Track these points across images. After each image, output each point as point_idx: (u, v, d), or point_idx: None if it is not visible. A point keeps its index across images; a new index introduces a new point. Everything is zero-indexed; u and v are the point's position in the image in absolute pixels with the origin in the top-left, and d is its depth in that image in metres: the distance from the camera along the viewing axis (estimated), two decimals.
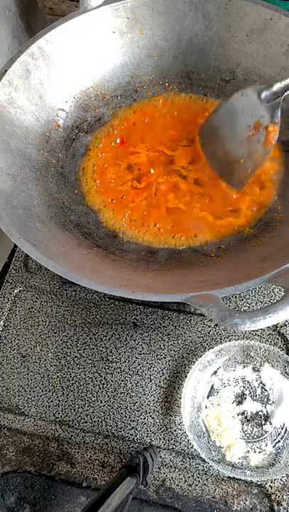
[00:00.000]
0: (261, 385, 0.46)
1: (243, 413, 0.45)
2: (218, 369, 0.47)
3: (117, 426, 0.46)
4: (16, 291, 0.53)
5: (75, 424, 0.47)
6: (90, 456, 0.45)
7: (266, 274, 0.35)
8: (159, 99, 0.56)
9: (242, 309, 0.50)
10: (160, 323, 0.50)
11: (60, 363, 0.49)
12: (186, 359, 0.48)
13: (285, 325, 0.49)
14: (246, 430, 0.45)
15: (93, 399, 0.47)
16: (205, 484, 0.43)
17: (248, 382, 0.47)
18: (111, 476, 0.44)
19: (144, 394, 0.47)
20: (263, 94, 0.43)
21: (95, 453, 0.45)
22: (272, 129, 0.43)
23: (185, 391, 0.44)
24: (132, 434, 0.46)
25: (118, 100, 0.56)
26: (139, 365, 0.49)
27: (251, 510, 0.42)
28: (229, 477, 0.43)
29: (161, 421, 0.46)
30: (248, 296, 0.51)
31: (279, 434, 0.44)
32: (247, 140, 0.45)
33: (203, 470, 0.44)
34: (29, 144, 0.48)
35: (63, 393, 0.48)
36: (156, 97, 0.56)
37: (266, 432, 0.44)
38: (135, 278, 0.41)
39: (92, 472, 0.45)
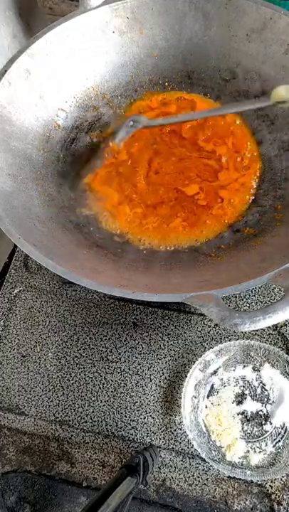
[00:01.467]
0: (261, 384, 0.46)
1: (243, 413, 0.45)
2: (218, 369, 0.47)
3: (117, 426, 0.46)
4: (16, 291, 0.53)
5: (75, 424, 0.47)
6: (90, 456, 0.45)
7: (266, 274, 0.35)
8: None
9: (242, 309, 0.50)
10: (160, 323, 0.50)
11: (60, 362, 0.49)
12: (186, 359, 0.48)
13: (285, 325, 0.49)
14: (246, 430, 0.45)
15: (93, 399, 0.48)
16: (205, 484, 0.43)
17: (248, 381, 0.47)
18: (111, 475, 0.44)
19: (144, 394, 0.47)
20: (131, 119, 0.50)
21: (95, 453, 0.45)
22: (112, 145, 0.51)
23: (185, 391, 0.44)
24: (132, 434, 0.46)
25: (118, 100, 0.56)
26: (139, 364, 0.49)
27: (251, 509, 0.42)
28: (229, 477, 0.43)
29: (161, 421, 0.46)
30: (248, 296, 0.51)
31: (279, 434, 0.44)
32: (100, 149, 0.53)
33: (203, 470, 0.44)
34: (29, 144, 0.48)
35: (63, 393, 0.48)
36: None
37: (266, 431, 0.44)
38: (135, 278, 0.41)
39: (92, 472, 0.45)
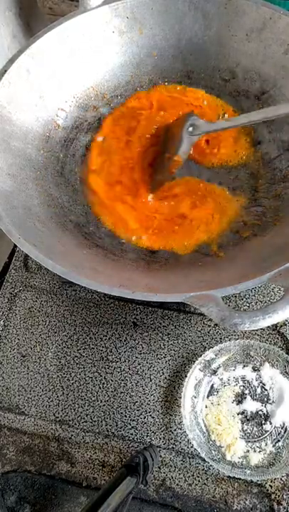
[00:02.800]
0: (261, 384, 0.46)
1: (243, 412, 0.45)
2: (218, 368, 0.47)
3: (117, 425, 0.46)
4: (16, 291, 0.53)
5: (75, 424, 0.47)
6: (90, 456, 0.45)
7: (266, 273, 0.35)
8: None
9: (242, 309, 0.50)
10: (160, 323, 0.50)
11: (60, 362, 0.49)
12: (186, 358, 0.48)
13: (285, 324, 0.49)
14: (246, 429, 0.45)
15: (93, 398, 0.48)
16: (205, 484, 0.43)
17: (247, 381, 0.47)
18: (111, 475, 0.44)
19: (144, 393, 0.47)
20: (188, 125, 0.45)
21: (95, 452, 0.45)
22: (176, 159, 0.46)
23: (185, 390, 0.44)
24: (132, 434, 0.46)
25: (118, 100, 0.56)
26: (139, 364, 0.49)
27: (251, 509, 0.42)
28: (229, 476, 0.43)
29: (161, 420, 0.46)
30: (248, 296, 0.51)
31: (279, 434, 0.44)
32: (166, 159, 0.48)
33: (203, 469, 0.44)
34: (29, 144, 0.48)
35: (63, 393, 0.48)
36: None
37: (266, 431, 0.44)
38: (135, 278, 0.41)
39: (92, 472, 0.45)
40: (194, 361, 0.46)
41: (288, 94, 0.50)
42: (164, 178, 0.48)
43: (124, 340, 0.50)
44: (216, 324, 0.50)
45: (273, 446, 0.44)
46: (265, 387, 0.46)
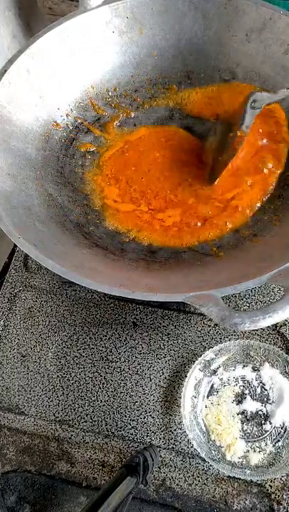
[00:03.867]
0: (261, 384, 0.46)
1: (242, 412, 0.45)
2: (217, 368, 0.47)
3: (117, 425, 0.46)
4: (16, 291, 0.53)
5: (75, 424, 0.47)
6: (90, 456, 0.45)
7: (266, 273, 0.35)
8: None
9: (242, 309, 0.50)
10: (160, 323, 0.50)
11: (60, 362, 0.49)
12: (186, 358, 0.48)
13: (285, 324, 0.49)
14: (246, 429, 0.45)
15: (93, 398, 0.48)
16: (205, 484, 0.43)
17: (247, 381, 0.47)
18: (111, 475, 0.44)
19: (144, 393, 0.47)
20: (252, 99, 0.46)
21: (95, 452, 0.45)
22: (240, 134, 0.46)
23: (185, 390, 0.44)
24: (132, 434, 0.46)
25: (118, 100, 0.56)
26: (139, 364, 0.49)
27: (251, 509, 0.42)
28: (229, 476, 0.43)
29: (161, 420, 0.46)
30: (247, 296, 0.51)
31: (279, 434, 0.44)
32: (229, 137, 0.48)
33: (203, 469, 0.44)
34: (29, 144, 0.48)
35: (63, 393, 0.48)
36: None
37: (266, 431, 0.44)
38: (135, 278, 0.41)
39: (92, 472, 0.45)
40: (194, 361, 0.46)
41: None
42: (228, 157, 0.48)
43: (124, 340, 0.50)
44: (216, 324, 0.50)
45: (273, 446, 0.44)
46: (265, 387, 0.46)
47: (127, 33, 0.53)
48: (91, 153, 0.54)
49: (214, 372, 0.47)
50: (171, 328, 0.50)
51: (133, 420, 0.46)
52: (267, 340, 0.49)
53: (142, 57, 0.55)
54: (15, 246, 0.56)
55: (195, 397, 0.45)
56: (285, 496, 0.42)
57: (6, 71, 0.45)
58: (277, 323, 0.49)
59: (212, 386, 0.46)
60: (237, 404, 0.46)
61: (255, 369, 0.47)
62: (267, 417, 0.45)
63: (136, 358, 0.49)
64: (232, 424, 0.44)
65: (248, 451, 0.44)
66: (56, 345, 0.50)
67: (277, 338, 0.49)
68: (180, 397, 0.45)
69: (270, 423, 0.45)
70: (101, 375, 0.48)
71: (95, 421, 0.47)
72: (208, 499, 0.43)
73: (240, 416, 0.45)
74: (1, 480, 0.45)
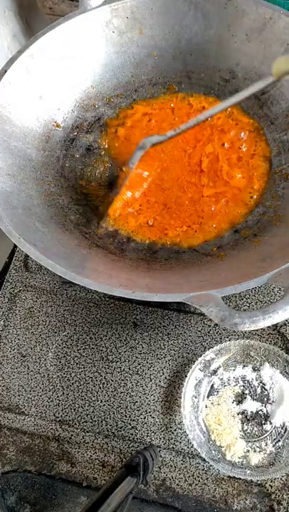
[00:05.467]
0: (261, 384, 0.46)
1: (243, 412, 0.45)
2: (218, 368, 0.47)
3: (117, 425, 0.46)
4: (16, 291, 0.53)
5: (75, 424, 0.47)
6: (90, 456, 0.45)
7: (266, 273, 0.35)
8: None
9: (242, 309, 0.50)
10: (160, 323, 0.50)
11: (60, 362, 0.49)
12: (186, 358, 0.48)
13: (285, 324, 0.49)
14: (246, 429, 0.45)
15: (93, 398, 0.48)
16: (205, 484, 0.43)
17: (248, 381, 0.47)
18: (111, 475, 0.44)
19: (144, 393, 0.47)
20: (141, 144, 0.47)
21: (95, 452, 0.45)
22: (125, 170, 0.49)
23: (185, 390, 0.44)
24: (132, 434, 0.46)
25: (118, 100, 0.56)
26: (139, 364, 0.49)
27: (251, 509, 0.42)
28: (229, 476, 0.43)
29: (161, 420, 0.46)
30: (248, 296, 0.51)
31: (279, 434, 0.44)
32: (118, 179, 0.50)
33: (203, 469, 0.44)
34: (29, 144, 0.48)
35: (63, 393, 0.48)
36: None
37: (266, 431, 0.44)
38: (135, 278, 0.41)
39: (93, 472, 0.45)
40: (194, 361, 0.46)
41: (288, 94, 0.50)
42: (114, 195, 0.50)
43: (124, 340, 0.50)
44: (216, 324, 0.50)
45: (273, 446, 0.44)
46: (265, 387, 0.46)
47: (127, 33, 0.53)
48: (91, 153, 0.54)
49: (214, 372, 0.47)
50: (171, 328, 0.50)
51: (133, 420, 0.46)
52: (267, 340, 0.49)
53: (141, 57, 0.55)
54: (15, 246, 0.56)
55: (195, 397, 0.45)
56: (285, 496, 0.42)
57: (6, 71, 0.45)
58: (278, 323, 0.49)
59: (212, 386, 0.46)
60: (237, 404, 0.46)
61: (255, 369, 0.47)
62: (267, 417, 0.45)
63: (136, 357, 0.49)
64: (232, 424, 0.44)
65: (248, 451, 0.44)
66: (56, 345, 0.50)
67: (278, 338, 0.49)
68: (180, 397, 0.45)
69: (271, 423, 0.45)
70: (101, 375, 0.48)
71: (95, 421, 0.47)
72: (208, 499, 0.43)
73: (240, 416, 0.45)
74: (1, 480, 0.45)
